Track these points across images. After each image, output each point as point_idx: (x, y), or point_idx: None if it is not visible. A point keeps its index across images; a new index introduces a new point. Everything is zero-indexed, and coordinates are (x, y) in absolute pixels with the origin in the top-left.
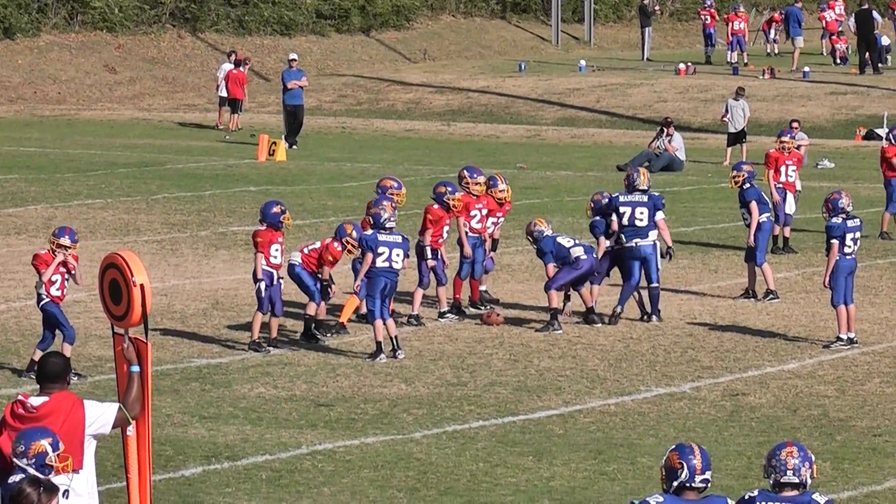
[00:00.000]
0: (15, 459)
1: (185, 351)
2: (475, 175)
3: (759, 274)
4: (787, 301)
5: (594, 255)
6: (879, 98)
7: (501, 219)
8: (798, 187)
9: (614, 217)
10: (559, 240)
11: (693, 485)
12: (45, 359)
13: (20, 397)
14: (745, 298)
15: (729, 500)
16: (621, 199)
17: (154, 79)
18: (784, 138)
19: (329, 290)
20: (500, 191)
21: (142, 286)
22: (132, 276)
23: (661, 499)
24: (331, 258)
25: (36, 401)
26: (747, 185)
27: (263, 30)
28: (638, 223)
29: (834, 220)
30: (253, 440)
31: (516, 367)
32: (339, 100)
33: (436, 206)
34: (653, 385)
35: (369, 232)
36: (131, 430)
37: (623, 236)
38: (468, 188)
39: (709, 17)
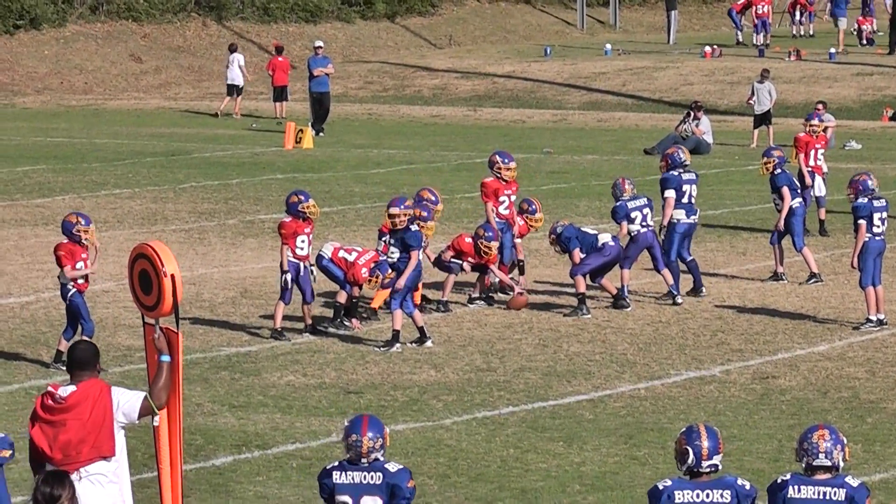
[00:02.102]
0: (374, 454)
1: (213, 340)
2: (507, 160)
3: (783, 255)
4: (817, 283)
5: (620, 243)
6: None
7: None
8: (825, 169)
9: (671, 195)
10: (583, 228)
11: (700, 470)
12: (74, 346)
13: (50, 388)
14: (773, 281)
15: (740, 480)
16: (684, 176)
17: (180, 68)
18: (814, 122)
19: (363, 308)
20: (536, 220)
21: (172, 276)
22: (162, 266)
23: (668, 482)
24: (353, 279)
25: (64, 391)
26: (778, 170)
27: (288, 17)
28: (693, 199)
29: (860, 200)
30: (283, 428)
31: (545, 352)
32: (365, 86)
33: (468, 241)
34: (682, 369)
35: (414, 228)
36: (157, 420)
37: (685, 212)
38: (500, 173)
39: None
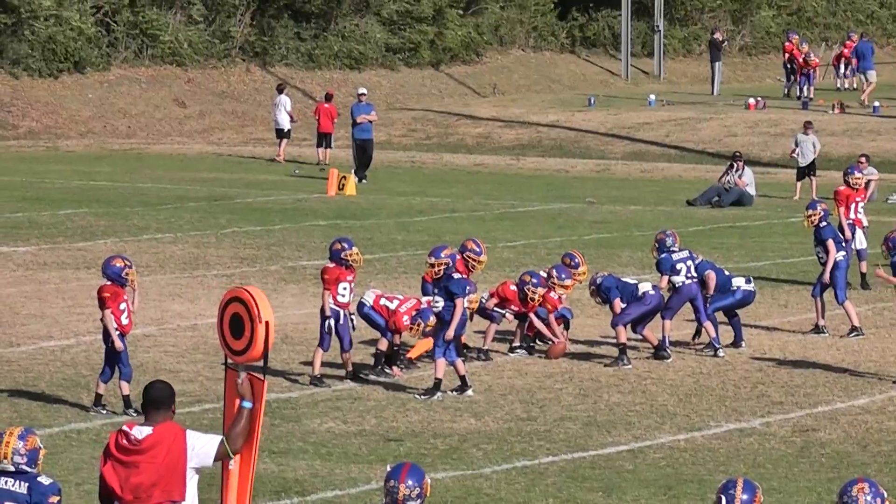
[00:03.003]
0: (409, 503)
1: None
2: (563, 277)
3: (825, 308)
4: (857, 336)
5: (660, 293)
6: None
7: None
8: (865, 223)
9: (711, 273)
10: (623, 278)
11: None
12: (150, 385)
13: (125, 428)
14: (814, 334)
15: None
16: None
17: (224, 113)
18: (855, 174)
19: (401, 357)
20: (580, 273)
21: (266, 323)
22: (259, 312)
23: None
24: (394, 327)
25: (140, 433)
26: (823, 223)
27: (333, 64)
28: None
29: (895, 256)
30: (322, 475)
31: (586, 402)
32: (408, 134)
33: (513, 289)
34: (723, 420)
35: (457, 276)
36: (233, 465)
37: (744, 280)
38: (553, 286)
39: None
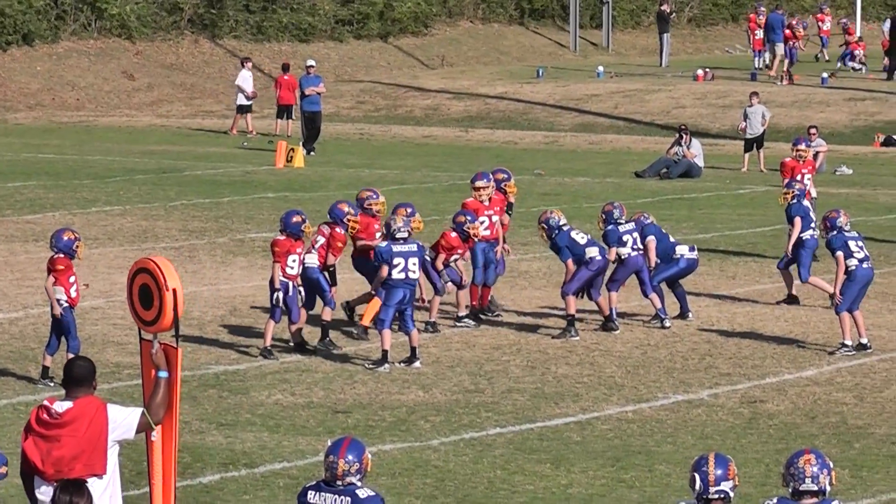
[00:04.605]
0: (349, 478)
1: (202, 358)
2: (475, 180)
3: (792, 280)
4: (806, 308)
5: (607, 257)
6: None
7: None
8: (814, 194)
9: (653, 239)
10: (573, 235)
11: (709, 496)
12: (71, 363)
13: (45, 403)
14: (788, 304)
15: None
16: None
17: (172, 85)
18: (800, 146)
19: (334, 276)
20: (511, 185)
21: (174, 290)
22: (165, 280)
23: None
24: (339, 244)
25: (60, 407)
26: (794, 201)
27: (281, 36)
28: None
29: (831, 234)
30: (270, 447)
31: (534, 373)
32: (357, 106)
33: (453, 235)
34: (670, 392)
35: (384, 244)
36: (156, 436)
37: (688, 248)
38: (476, 195)
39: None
